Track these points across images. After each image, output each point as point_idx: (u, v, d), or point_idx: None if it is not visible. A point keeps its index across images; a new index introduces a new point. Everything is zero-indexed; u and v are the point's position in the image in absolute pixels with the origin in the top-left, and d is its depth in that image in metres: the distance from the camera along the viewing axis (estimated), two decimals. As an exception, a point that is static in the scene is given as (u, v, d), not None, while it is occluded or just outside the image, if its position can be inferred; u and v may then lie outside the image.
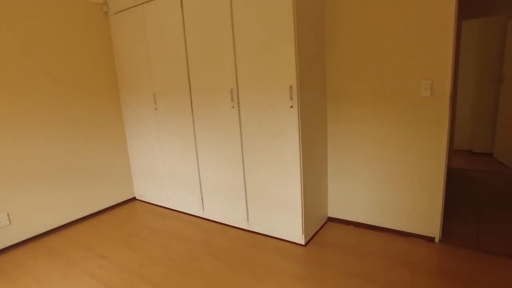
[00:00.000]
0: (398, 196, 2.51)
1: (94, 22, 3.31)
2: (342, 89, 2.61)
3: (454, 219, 2.77)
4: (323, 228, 2.77)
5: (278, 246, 2.50)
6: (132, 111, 3.51)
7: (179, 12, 2.74)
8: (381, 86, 2.43)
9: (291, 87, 2.20)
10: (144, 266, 2.36)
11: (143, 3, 3.01)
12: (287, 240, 2.56)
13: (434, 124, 2.26)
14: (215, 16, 2.51)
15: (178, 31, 2.80)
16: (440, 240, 2.41)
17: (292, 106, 2.24)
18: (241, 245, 2.57)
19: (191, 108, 2.89)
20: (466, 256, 2.21)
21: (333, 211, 2.87)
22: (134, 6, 3.11)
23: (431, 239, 2.43)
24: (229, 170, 2.75)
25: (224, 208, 2.90)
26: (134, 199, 3.86)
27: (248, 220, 2.75)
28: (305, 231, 2.47)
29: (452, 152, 4.74)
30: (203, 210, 3.09)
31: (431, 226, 2.41)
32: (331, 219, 2.89)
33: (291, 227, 2.49)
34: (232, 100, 2.56)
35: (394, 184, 2.51)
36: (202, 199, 3.06)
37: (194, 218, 3.18)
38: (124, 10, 3.22)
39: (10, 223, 2.76)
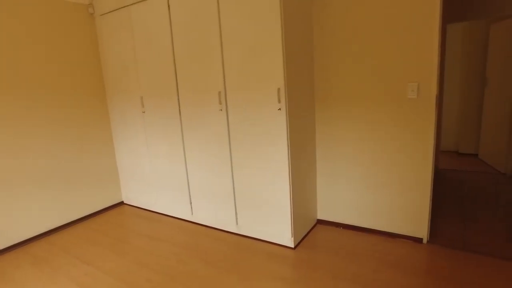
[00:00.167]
0: (386, 197, 2.52)
1: (79, 24, 3.25)
2: (330, 92, 2.62)
3: (441, 219, 2.81)
4: (313, 230, 2.77)
5: (268, 250, 2.49)
6: (119, 114, 3.46)
7: (166, 14, 2.72)
8: (369, 89, 2.44)
9: (279, 89, 2.20)
10: (132, 272, 2.31)
11: (130, 5, 2.97)
12: (277, 243, 2.55)
13: (421, 126, 2.29)
14: (202, 18, 2.49)
15: (165, 33, 2.77)
16: (428, 241, 2.43)
17: (280, 109, 2.23)
18: (230, 249, 2.55)
19: (179, 110, 2.86)
20: (454, 256, 2.23)
21: (323, 214, 2.87)
22: (120, 8, 3.07)
23: (419, 240, 2.45)
24: (218, 174, 2.72)
25: (213, 212, 2.87)
26: (122, 203, 3.79)
27: (237, 224, 2.73)
28: (295, 234, 2.46)
29: (439, 153, 4.81)
30: (192, 214, 3.06)
31: (419, 227, 2.43)
32: (320, 222, 2.89)
33: (280, 230, 2.47)
34: (220, 103, 2.54)
35: (382, 186, 2.53)
36: (190, 202, 3.03)
37: (183, 222, 3.14)
38: (110, 11, 3.18)
39: (-8, 230, 2.67)
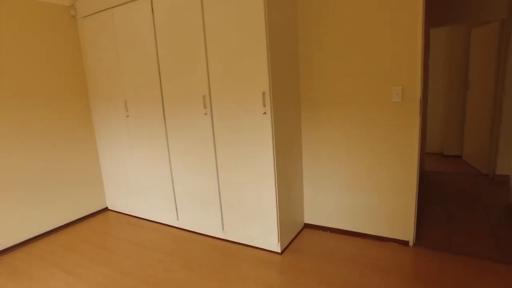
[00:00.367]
0: (373, 201, 2.53)
1: (61, 26, 3.16)
2: (316, 96, 2.61)
3: (427, 221, 2.83)
4: (300, 235, 2.75)
5: (254, 255, 2.45)
6: (103, 119, 3.38)
7: (150, 18, 2.67)
8: (354, 92, 2.45)
9: (263, 93, 2.18)
10: (115, 281, 2.24)
11: (112, 7, 2.91)
12: (263, 248, 2.52)
13: (406, 129, 2.30)
14: (187, 21, 2.45)
15: (149, 37, 2.72)
16: (414, 243, 2.44)
17: (265, 113, 2.21)
18: (216, 254, 2.50)
19: (164, 115, 2.81)
20: (440, 258, 2.24)
21: (310, 218, 2.86)
22: (102, 10, 3.01)
23: (405, 243, 2.45)
24: (203, 179, 2.68)
25: (198, 217, 2.82)
26: (106, 209, 3.70)
27: (223, 229, 2.69)
28: (281, 239, 2.43)
29: (425, 155, 4.88)
30: (178, 219, 3.00)
31: (405, 230, 2.44)
32: (307, 226, 2.88)
33: (266, 235, 2.45)
34: (205, 107, 2.50)
35: (368, 189, 2.53)
36: (176, 208, 2.97)
37: (169, 228, 3.08)
38: (93, 14, 3.11)
39: (-33, 240, 2.56)
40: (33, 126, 2.95)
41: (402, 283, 2.00)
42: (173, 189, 2.94)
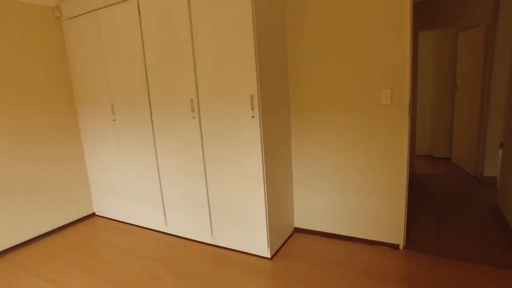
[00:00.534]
0: (363, 204, 2.51)
1: (45, 28, 3.09)
2: (305, 99, 2.59)
3: (417, 224, 2.83)
4: (290, 239, 2.72)
5: (243, 261, 2.41)
6: (89, 122, 3.30)
7: (136, 20, 2.62)
8: (344, 96, 2.44)
9: (252, 96, 2.15)
10: (99, 290, 2.18)
11: (98, 9, 2.85)
12: (253, 253, 2.48)
13: (395, 131, 2.30)
14: (174, 24, 2.41)
15: (135, 39, 2.67)
16: (404, 247, 2.43)
17: (253, 116, 2.18)
18: (205, 261, 2.45)
19: (151, 118, 2.76)
20: (430, 262, 2.24)
21: (300, 222, 2.83)
22: (88, 12, 2.95)
23: (395, 247, 2.44)
24: (192, 183, 2.63)
25: (187, 223, 2.77)
26: (93, 215, 3.61)
27: (212, 234, 2.64)
28: (271, 244, 2.40)
29: (414, 157, 4.91)
30: (166, 225, 2.94)
31: (395, 234, 2.43)
32: (297, 230, 2.85)
33: (256, 241, 2.41)
34: (193, 111, 2.46)
35: (358, 193, 2.51)
36: (164, 213, 2.91)
37: (157, 233, 3.01)
38: (78, 15, 3.04)
39: None
40: (15, 130, 2.86)
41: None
42: (161, 193, 2.88)
